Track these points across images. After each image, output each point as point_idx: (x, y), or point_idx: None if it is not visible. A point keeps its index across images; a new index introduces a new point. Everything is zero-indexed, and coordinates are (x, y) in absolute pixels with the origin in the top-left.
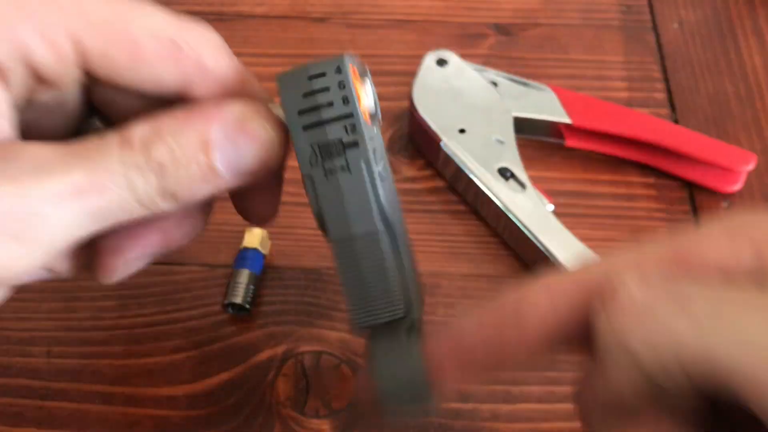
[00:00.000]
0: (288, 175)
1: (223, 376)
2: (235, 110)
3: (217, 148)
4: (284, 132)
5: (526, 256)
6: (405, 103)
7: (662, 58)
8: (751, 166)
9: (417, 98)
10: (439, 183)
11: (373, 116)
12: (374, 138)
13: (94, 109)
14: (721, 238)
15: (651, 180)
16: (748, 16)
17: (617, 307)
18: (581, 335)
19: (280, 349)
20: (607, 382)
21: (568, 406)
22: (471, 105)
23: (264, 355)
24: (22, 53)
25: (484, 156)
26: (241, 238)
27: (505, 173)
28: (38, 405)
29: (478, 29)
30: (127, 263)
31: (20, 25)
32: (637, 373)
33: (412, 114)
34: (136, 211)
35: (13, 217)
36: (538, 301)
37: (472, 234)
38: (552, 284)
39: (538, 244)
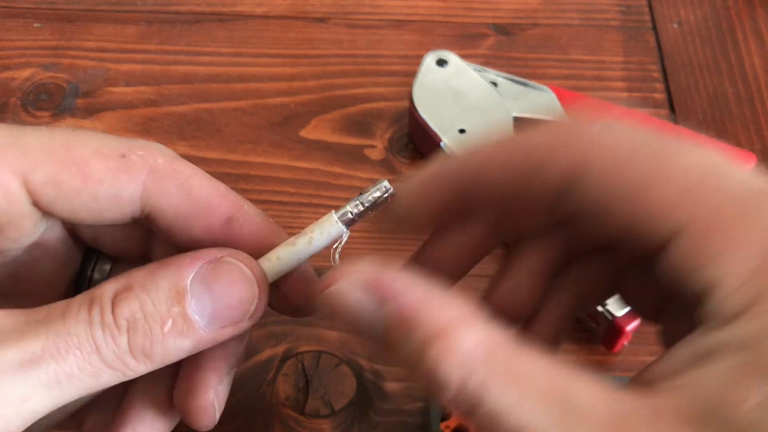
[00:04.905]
0: (287, 174)
1: None
2: (209, 255)
3: (193, 295)
4: (264, 277)
5: None
6: (405, 103)
7: (662, 58)
8: (749, 166)
9: (417, 98)
10: None
11: None
12: None
13: (93, 251)
14: None
15: None
16: (748, 16)
17: None
18: None
19: (280, 349)
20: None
21: None
22: (471, 105)
23: (264, 355)
24: None
25: None
26: None
27: None
28: None
29: (477, 29)
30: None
31: None
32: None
33: (412, 114)
34: (105, 375)
35: None
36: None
37: None
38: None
39: None
